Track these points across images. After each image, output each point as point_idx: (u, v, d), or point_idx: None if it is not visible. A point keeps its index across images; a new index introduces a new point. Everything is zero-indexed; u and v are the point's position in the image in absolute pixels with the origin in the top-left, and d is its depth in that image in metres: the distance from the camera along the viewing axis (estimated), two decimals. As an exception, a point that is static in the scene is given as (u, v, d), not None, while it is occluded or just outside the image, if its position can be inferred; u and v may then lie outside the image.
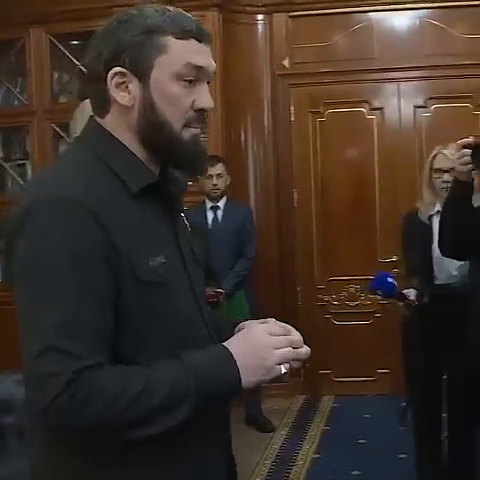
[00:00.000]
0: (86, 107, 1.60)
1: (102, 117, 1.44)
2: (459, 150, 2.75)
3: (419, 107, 5.76)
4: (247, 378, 1.32)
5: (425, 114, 5.77)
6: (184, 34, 1.39)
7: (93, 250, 1.27)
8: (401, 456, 4.45)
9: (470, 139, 2.72)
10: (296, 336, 1.39)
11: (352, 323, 6.01)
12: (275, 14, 5.94)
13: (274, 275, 6.02)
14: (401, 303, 3.47)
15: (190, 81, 1.39)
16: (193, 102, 1.40)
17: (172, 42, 1.38)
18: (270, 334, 1.37)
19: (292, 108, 6.01)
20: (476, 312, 2.99)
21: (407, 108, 5.81)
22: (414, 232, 3.73)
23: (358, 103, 5.90)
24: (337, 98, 5.90)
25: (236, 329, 1.50)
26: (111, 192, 1.35)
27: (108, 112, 1.42)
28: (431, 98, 5.72)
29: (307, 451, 4.85)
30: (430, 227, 3.64)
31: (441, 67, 5.59)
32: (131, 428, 1.23)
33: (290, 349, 1.36)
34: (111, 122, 1.42)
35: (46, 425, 1.25)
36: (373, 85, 5.85)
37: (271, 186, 6.08)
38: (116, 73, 1.38)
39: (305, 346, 1.39)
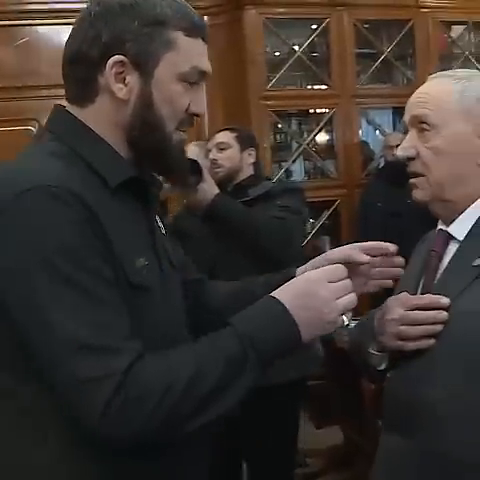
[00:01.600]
0: None
1: (82, 106, 1.31)
2: None
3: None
4: (307, 333, 1.23)
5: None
6: (194, 32, 1.30)
7: (95, 241, 1.17)
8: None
9: None
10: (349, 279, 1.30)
11: None
12: None
13: None
14: None
15: (191, 83, 1.31)
16: (189, 105, 1.32)
17: (181, 39, 1.29)
18: (330, 282, 1.26)
19: None
20: None
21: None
22: None
23: (26, 121, 5.48)
24: (2, 116, 5.41)
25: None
26: (91, 184, 1.23)
27: (93, 102, 1.30)
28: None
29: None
30: None
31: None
32: (192, 416, 1.14)
33: (352, 296, 1.27)
34: (94, 114, 1.30)
35: (97, 437, 1.12)
36: (41, 102, 5.43)
37: None
38: (117, 62, 1.26)
39: None
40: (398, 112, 5.62)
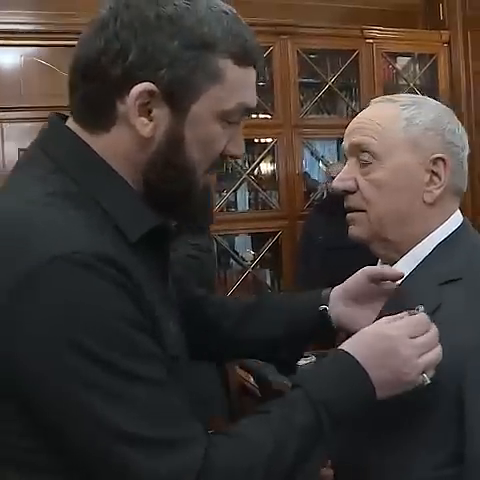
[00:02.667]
0: None
1: (92, 132, 1.06)
2: None
3: (25, 150, 5.28)
4: (382, 393, 1.11)
5: (32, 158, 5.30)
6: (245, 59, 1.06)
7: (138, 314, 0.98)
8: None
9: None
10: (433, 329, 1.15)
11: None
12: None
13: None
14: None
15: (230, 122, 1.08)
16: (225, 146, 1.10)
17: (230, 69, 1.04)
18: (411, 338, 1.12)
19: None
20: None
21: (11, 151, 5.27)
22: None
23: None
24: None
25: (332, 314, 1.35)
26: (112, 237, 1.01)
27: (107, 132, 1.05)
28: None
29: None
30: None
31: (50, 108, 5.16)
32: None
33: (435, 352, 1.13)
34: (106, 145, 1.05)
35: None
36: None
37: None
38: (144, 92, 1.01)
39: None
40: (342, 143, 5.52)
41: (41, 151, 1.08)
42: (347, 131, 1.37)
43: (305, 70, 5.30)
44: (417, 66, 5.71)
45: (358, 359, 1.10)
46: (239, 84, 1.06)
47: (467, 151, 1.36)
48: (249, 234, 5.31)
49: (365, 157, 1.32)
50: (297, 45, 5.20)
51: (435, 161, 1.30)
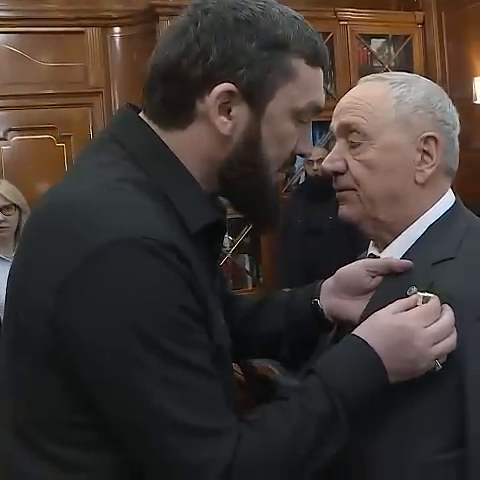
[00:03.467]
0: None
1: (167, 129, 1.12)
2: None
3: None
4: (394, 378, 1.14)
5: (5, 147, 5.25)
6: (316, 60, 1.13)
7: (196, 306, 1.03)
8: None
9: None
10: (447, 315, 1.15)
11: None
12: None
13: None
14: None
15: (301, 121, 1.14)
16: (295, 145, 1.15)
17: (303, 68, 1.11)
18: (425, 327, 1.14)
19: None
20: None
21: (-17, 140, 5.25)
22: None
23: None
24: None
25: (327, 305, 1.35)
26: (176, 229, 1.05)
27: (182, 129, 1.11)
28: (11, 130, 5.22)
29: None
30: None
31: (21, 96, 5.11)
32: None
33: (450, 339, 1.14)
34: (181, 142, 1.11)
35: None
36: None
37: None
38: (225, 91, 1.07)
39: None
40: (318, 126, 5.52)
41: (111, 139, 1.13)
42: (336, 111, 1.34)
43: (280, 53, 5.28)
44: (392, 48, 5.71)
45: (372, 346, 1.12)
46: (310, 83, 1.13)
47: (458, 130, 1.34)
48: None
49: (355, 137, 1.29)
50: (271, 28, 5.17)
51: (426, 140, 1.27)
